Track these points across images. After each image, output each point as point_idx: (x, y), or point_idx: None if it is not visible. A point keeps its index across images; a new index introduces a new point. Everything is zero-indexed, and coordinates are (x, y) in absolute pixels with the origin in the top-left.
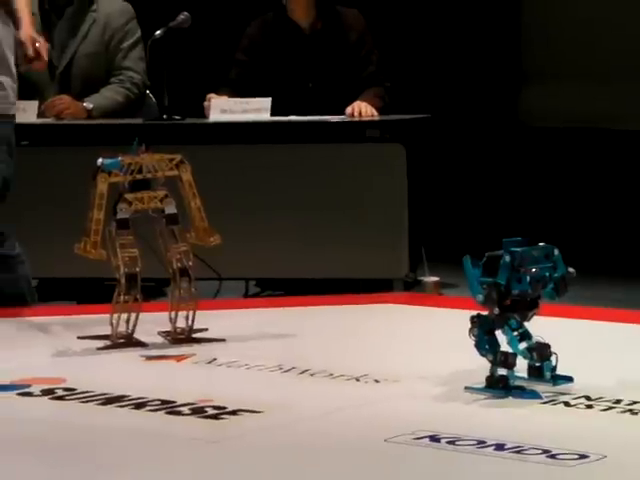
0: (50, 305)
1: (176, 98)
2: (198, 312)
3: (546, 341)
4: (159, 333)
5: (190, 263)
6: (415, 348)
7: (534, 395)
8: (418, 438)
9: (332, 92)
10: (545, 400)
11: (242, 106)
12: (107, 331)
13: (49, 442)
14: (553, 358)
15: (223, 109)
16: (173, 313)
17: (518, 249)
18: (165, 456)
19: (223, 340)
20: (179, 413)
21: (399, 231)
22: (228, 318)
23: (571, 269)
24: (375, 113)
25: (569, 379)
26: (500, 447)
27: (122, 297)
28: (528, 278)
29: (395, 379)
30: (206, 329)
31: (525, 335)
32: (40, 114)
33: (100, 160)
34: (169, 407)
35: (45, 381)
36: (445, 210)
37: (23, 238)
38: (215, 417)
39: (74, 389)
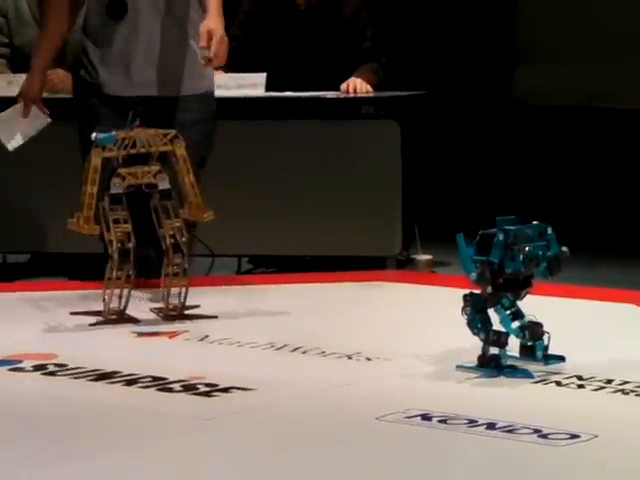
0: (42, 280)
1: None
2: (191, 289)
3: (538, 320)
4: (151, 309)
5: (183, 239)
6: (407, 326)
7: (526, 374)
8: (410, 417)
9: (327, 67)
10: (537, 379)
11: (237, 81)
12: (99, 307)
13: (40, 418)
14: (545, 337)
15: (218, 84)
16: (166, 289)
17: (512, 227)
18: (157, 433)
19: (215, 317)
20: (171, 390)
21: (392, 209)
22: (221, 295)
23: (565, 248)
24: (370, 90)
25: (561, 358)
26: (491, 426)
27: (114, 273)
28: (521, 256)
29: (387, 357)
30: (198, 306)
31: (518, 314)
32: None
33: (94, 134)
34: (161, 384)
35: (36, 357)
36: (438, 188)
37: (16, 213)
38: (207, 394)
39: (65, 365)
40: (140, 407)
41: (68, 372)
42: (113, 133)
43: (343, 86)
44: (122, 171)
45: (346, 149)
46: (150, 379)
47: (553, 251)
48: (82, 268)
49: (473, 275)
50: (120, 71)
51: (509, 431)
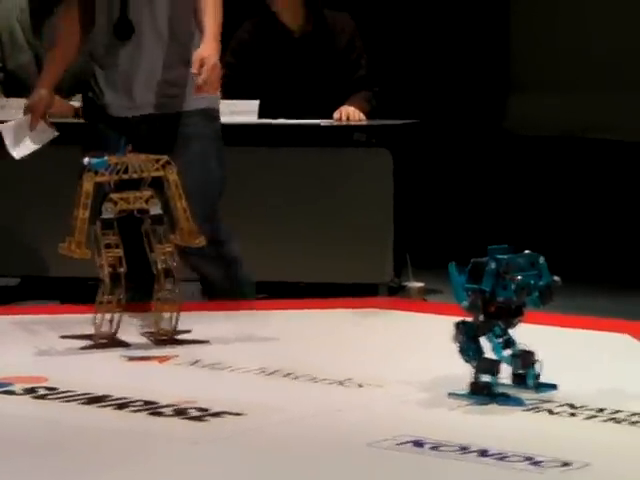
0: (33, 304)
1: None
2: (182, 314)
3: (530, 348)
4: (142, 334)
5: (174, 264)
6: (399, 353)
7: (518, 402)
8: (401, 443)
9: (321, 95)
10: (529, 407)
11: (229, 108)
12: (90, 331)
13: (30, 441)
14: (537, 366)
15: None
16: (157, 314)
17: (504, 256)
18: (148, 456)
19: (207, 342)
20: (162, 414)
21: (384, 236)
22: (212, 320)
23: (556, 278)
24: (363, 118)
25: (553, 387)
26: (483, 453)
27: (106, 297)
28: (513, 285)
29: (379, 384)
30: (190, 331)
31: (509, 342)
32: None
33: (87, 159)
34: (152, 408)
35: (27, 380)
36: (430, 216)
37: (7, 236)
38: (198, 419)
39: (56, 388)
40: (131, 431)
41: (58, 395)
42: (105, 158)
43: (336, 114)
44: (114, 196)
45: (338, 176)
46: (141, 403)
47: (545, 280)
48: (73, 292)
49: (465, 303)
50: (123, 93)
51: (501, 458)
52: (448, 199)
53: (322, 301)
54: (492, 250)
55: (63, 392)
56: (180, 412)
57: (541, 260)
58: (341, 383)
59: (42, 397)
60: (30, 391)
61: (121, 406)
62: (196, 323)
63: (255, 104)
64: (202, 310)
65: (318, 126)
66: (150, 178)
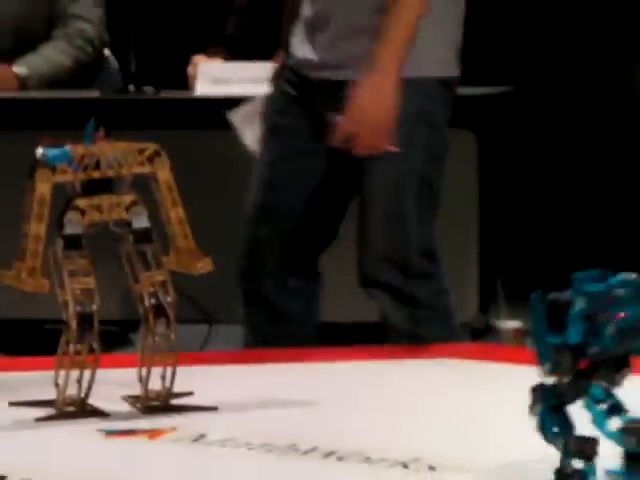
0: None
1: (147, 61)
2: (180, 368)
3: None
4: (124, 398)
5: (169, 299)
6: (481, 422)
7: None
8: None
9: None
10: None
11: (243, 73)
12: (50, 395)
13: None
14: None
15: (215, 77)
16: (144, 370)
17: (593, 289)
18: None
19: (215, 408)
20: None
21: (465, 255)
22: (222, 377)
23: None
24: None
25: None
26: None
27: (72, 346)
28: (611, 329)
29: (457, 465)
30: (191, 393)
31: (617, 408)
32: None
33: (40, 151)
34: None
35: None
36: (531, 226)
37: None
38: None
39: (4, 477)
40: None
41: None
42: (67, 148)
43: None
44: (81, 202)
45: None
46: None
47: None
48: (25, 340)
49: (546, 366)
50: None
51: None
52: (555, 200)
53: (370, 349)
54: (579, 280)
55: None
56: None
57: None
58: (406, 465)
59: None
60: None
61: None
62: (200, 381)
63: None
64: (208, 363)
65: None
66: (131, 177)
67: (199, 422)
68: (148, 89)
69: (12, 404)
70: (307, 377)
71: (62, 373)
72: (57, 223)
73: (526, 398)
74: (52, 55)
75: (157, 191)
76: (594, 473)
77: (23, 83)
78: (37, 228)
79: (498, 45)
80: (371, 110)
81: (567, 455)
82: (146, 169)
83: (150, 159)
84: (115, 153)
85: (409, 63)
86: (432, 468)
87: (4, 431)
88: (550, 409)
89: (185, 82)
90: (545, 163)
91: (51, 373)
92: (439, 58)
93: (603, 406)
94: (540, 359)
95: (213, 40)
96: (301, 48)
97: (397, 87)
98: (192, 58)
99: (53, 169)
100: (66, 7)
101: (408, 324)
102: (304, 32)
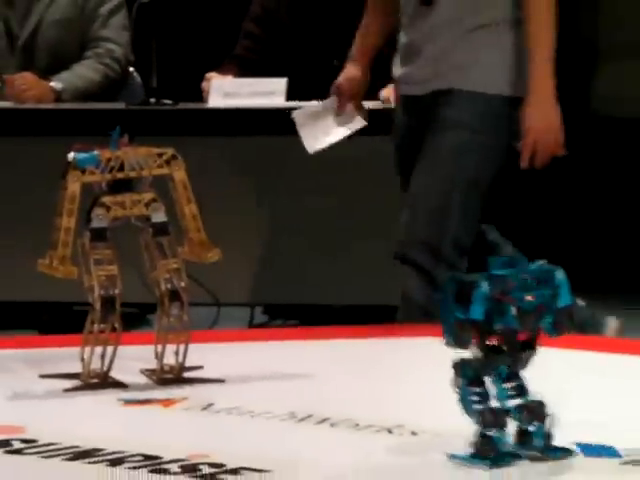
0: (6, 335)
1: (167, 77)
2: (192, 345)
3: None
4: (142, 371)
5: (183, 284)
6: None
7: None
8: None
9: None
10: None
11: (251, 88)
12: (77, 368)
13: None
14: (547, 421)
15: (226, 92)
16: (160, 346)
17: (500, 272)
18: None
19: (222, 381)
20: (166, 471)
21: None
22: (229, 353)
23: (580, 301)
24: None
25: (567, 451)
26: None
27: (96, 326)
28: (513, 310)
29: (436, 432)
30: (201, 367)
31: (521, 389)
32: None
33: (72, 154)
34: (154, 464)
35: None
36: (521, 215)
37: None
38: (211, 477)
39: (35, 440)
40: None
41: (38, 449)
42: (95, 152)
43: (383, 93)
44: (107, 200)
45: (389, 176)
46: (140, 458)
47: (563, 302)
48: (55, 320)
49: (449, 339)
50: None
51: None
52: (553, 178)
53: (367, 328)
54: (493, 262)
55: (44, 445)
56: (189, 469)
57: (559, 275)
58: (390, 431)
59: (17, 452)
60: (2, 444)
61: (115, 462)
62: (209, 357)
63: (282, 83)
64: (216, 341)
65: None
66: (151, 177)
67: (208, 393)
68: (167, 101)
69: (42, 376)
70: (305, 353)
71: (87, 349)
72: (85, 218)
73: None
74: (84, 72)
75: (173, 190)
76: (505, 441)
77: (59, 96)
78: (68, 222)
79: None
80: (545, 134)
81: (481, 425)
82: (164, 170)
83: (168, 162)
84: (137, 157)
85: (482, 80)
86: (414, 433)
87: (35, 399)
88: (469, 382)
89: (200, 96)
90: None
91: (78, 349)
92: (508, 79)
93: (508, 385)
94: (445, 332)
95: (224, 59)
96: (399, 70)
97: (557, 105)
98: (206, 75)
99: (83, 171)
100: (97, 31)
101: (426, 303)
102: (402, 57)
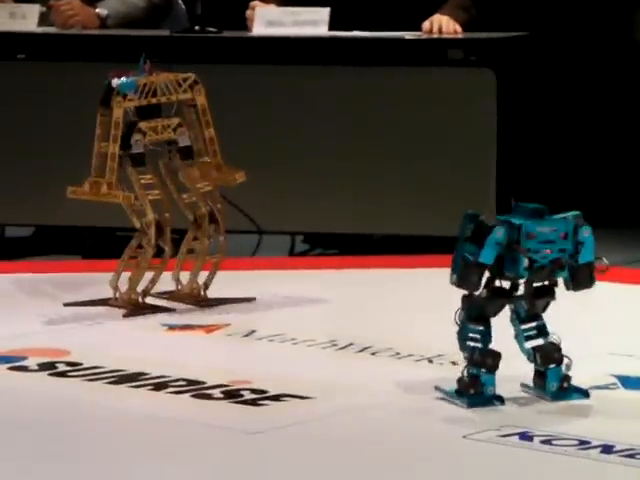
0: (50, 259)
1: (211, 5)
2: (232, 273)
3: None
4: (174, 295)
5: (219, 205)
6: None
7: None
8: (505, 435)
9: (406, 1)
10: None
11: (294, 17)
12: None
13: (47, 430)
14: (564, 366)
15: (270, 20)
16: (195, 272)
17: (523, 220)
18: (190, 449)
19: (253, 299)
20: (209, 397)
21: (483, 181)
22: (270, 281)
23: (604, 260)
24: (459, 29)
25: (584, 393)
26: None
27: (149, 250)
28: (525, 261)
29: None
30: (254, 298)
31: (542, 330)
32: (42, 21)
33: (115, 80)
34: (197, 389)
35: (44, 353)
36: (542, 157)
37: (17, 178)
38: (253, 403)
39: (79, 364)
40: (170, 417)
41: (82, 372)
42: (134, 78)
43: (425, 24)
44: (143, 125)
45: (428, 105)
46: (183, 383)
47: (584, 259)
48: (98, 245)
49: (454, 277)
50: None
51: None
52: (566, 135)
53: (406, 258)
54: (519, 209)
55: (88, 368)
56: (231, 395)
57: (584, 232)
58: (430, 360)
59: (62, 374)
60: (47, 367)
61: (159, 386)
62: (250, 284)
63: (325, 12)
64: (257, 269)
65: (402, 40)
66: (176, 102)
67: (250, 320)
68: (211, 29)
69: (66, 305)
70: (346, 283)
71: (133, 274)
72: (121, 144)
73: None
74: None
75: (192, 113)
76: (492, 384)
77: (104, 22)
78: (113, 147)
79: None
80: None
81: (470, 363)
82: (188, 95)
83: (190, 87)
84: (165, 82)
85: None
86: (454, 363)
87: (81, 322)
88: (470, 319)
89: (244, 24)
90: (557, 98)
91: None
92: None
93: (529, 325)
94: (453, 268)
95: None
96: None
97: None
98: (250, 3)
99: (124, 96)
100: None
101: None
102: None
